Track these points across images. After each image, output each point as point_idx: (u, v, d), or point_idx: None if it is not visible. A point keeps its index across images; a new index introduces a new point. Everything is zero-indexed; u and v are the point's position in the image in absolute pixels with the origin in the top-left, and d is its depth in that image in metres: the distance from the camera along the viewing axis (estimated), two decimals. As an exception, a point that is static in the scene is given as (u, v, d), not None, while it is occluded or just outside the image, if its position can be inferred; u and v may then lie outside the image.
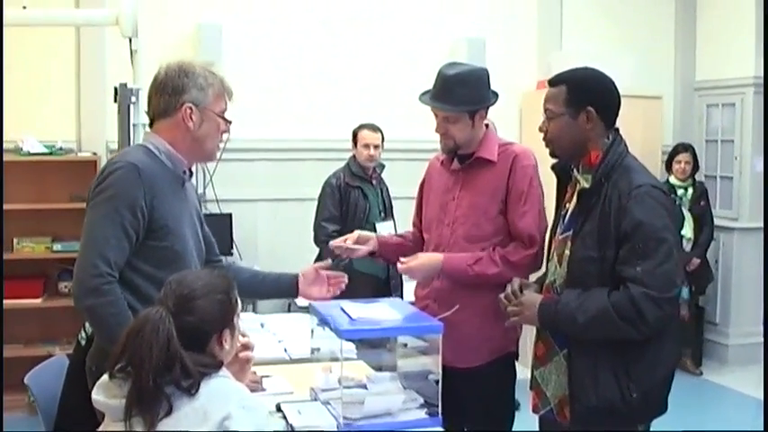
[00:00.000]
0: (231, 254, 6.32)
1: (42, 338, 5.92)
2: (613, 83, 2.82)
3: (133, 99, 4.43)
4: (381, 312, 2.91)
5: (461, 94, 3.33)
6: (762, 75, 6.61)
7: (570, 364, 2.71)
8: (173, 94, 2.69)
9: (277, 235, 6.67)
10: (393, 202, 5.98)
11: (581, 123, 2.74)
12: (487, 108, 3.44)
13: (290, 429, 2.68)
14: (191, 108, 2.69)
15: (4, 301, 5.59)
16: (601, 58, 7.11)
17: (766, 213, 6.37)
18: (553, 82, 2.83)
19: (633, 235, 2.59)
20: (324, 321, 2.89)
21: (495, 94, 3.45)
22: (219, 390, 2.00)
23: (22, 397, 5.14)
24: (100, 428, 2.06)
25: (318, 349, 3.35)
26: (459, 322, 3.32)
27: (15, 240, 5.84)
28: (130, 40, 4.71)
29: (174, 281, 2.11)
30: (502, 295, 2.92)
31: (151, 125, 2.80)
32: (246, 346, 2.33)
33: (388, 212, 5.88)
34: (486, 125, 3.48)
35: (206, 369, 2.01)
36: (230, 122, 2.80)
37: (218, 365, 2.07)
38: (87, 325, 2.77)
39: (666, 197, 2.72)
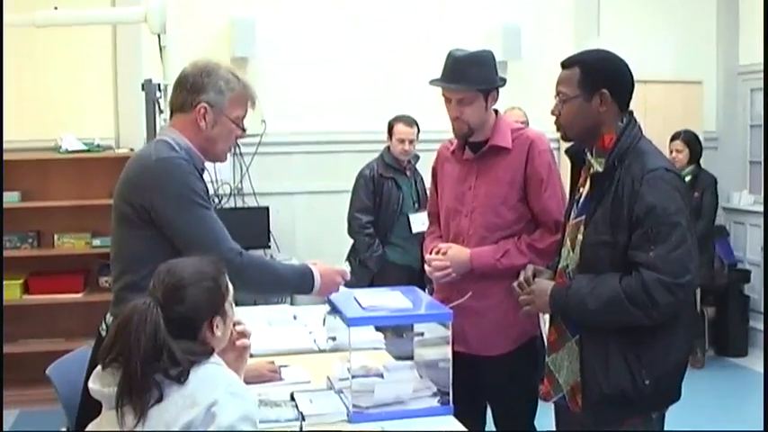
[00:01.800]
0: (269, 246, 6.40)
1: (84, 333, 5.95)
2: (627, 65, 2.77)
3: (159, 95, 4.46)
4: (393, 300, 2.91)
5: (475, 73, 3.30)
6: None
7: (582, 350, 2.68)
8: (191, 91, 2.71)
9: (314, 227, 6.71)
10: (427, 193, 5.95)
11: (594, 106, 2.70)
12: (497, 91, 3.40)
13: (299, 416, 2.69)
14: (205, 108, 2.70)
15: (47, 296, 5.75)
16: (640, 44, 7.12)
17: (766, 208, 6.21)
18: (566, 64, 2.78)
19: (646, 219, 2.54)
20: (335, 310, 2.89)
21: (503, 78, 3.43)
22: (208, 377, 2.02)
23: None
24: (99, 418, 2.10)
25: (334, 338, 3.36)
26: (484, 309, 3.33)
27: (56, 236, 5.98)
28: (159, 37, 4.76)
29: (163, 270, 2.12)
30: (515, 283, 2.89)
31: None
32: (243, 334, 2.34)
33: (421, 203, 5.83)
34: (496, 111, 3.44)
35: (195, 357, 2.02)
36: (245, 130, 2.82)
37: (209, 352, 2.08)
38: (108, 316, 2.80)
39: (680, 180, 2.66)
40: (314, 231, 6.70)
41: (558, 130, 2.79)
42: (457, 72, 3.32)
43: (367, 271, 5.60)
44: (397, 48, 6.83)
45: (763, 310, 6.32)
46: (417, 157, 5.87)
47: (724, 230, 7.35)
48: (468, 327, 3.30)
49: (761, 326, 7.09)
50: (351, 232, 5.79)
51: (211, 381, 2.01)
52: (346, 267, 3.09)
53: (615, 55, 2.78)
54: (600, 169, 2.67)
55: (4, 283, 5.54)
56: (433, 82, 3.39)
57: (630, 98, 2.75)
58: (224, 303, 2.17)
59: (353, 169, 5.92)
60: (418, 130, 5.78)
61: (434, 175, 3.69)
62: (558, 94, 2.77)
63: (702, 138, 6.93)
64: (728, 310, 7.04)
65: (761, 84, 7.27)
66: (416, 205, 5.81)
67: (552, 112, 2.80)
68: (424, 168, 5.95)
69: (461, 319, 3.26)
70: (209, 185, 4.70)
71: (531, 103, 5.76)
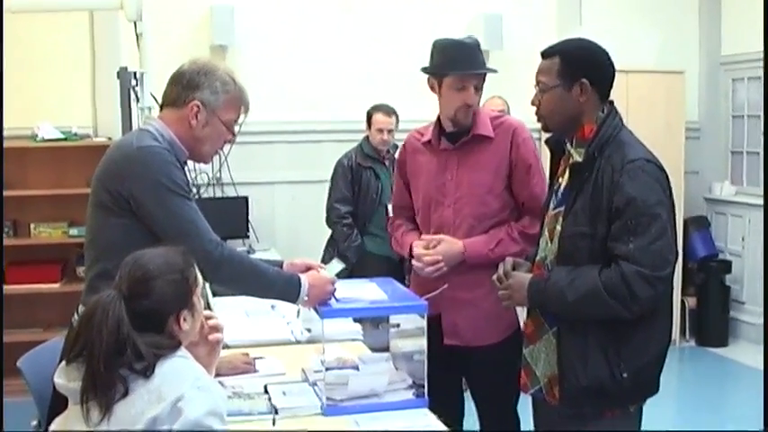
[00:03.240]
0: (248, 237, 6.35)
1: (61, 323, 5.88)
2: (608, 54, 2.73)
3: (134, 83, 4.40)
4: (368, 292, 2.88)
5: (483, 58, 3.36)
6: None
7: (560, 342, 2.65)
8: (186, 87, 2.68)
9: (294, 217, 6.66)
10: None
11: (575, 96, 2.66)
12: None
13: (272, 410, 2.65)
14: (198, 107, 2.66)
15: (23, 286, 5.68)
16: (622, 34, 7.08)
17: (766, 197, 6.25)
18: (546, 53, 2.74)
19: (625, 211, 2.50)
20: (309, 301, 2.85)
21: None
22: (174, 371, 1.98)
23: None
24: (65, 413, 2.05)
25: (310, 330, 3.32)
26: (478, 300, 3.30)
27: (33, 226, 5.93)
28: (135, 24, 4.69)
29: (129, 262, 2.08)
30: (494, 276, 2.85)
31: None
32: (215, 328, 2.30)
33: (401, 193, 5.81)
34: None
35: (161, 350, 1.98)
36: (235, 135, 2.78)
37: (176, 346, 2.04)
38: (80, 308, 2.75)
39: (661, 172, 2.62)
40: (294, 222, 6.66)
41: (538, 120, 2.75)
42: (474, 58, 3.31)
43: (345, 261, 5.52)
44: (378, 36, 6.77)
45: (763, 305, 6.31)
46: (396, 147, 5.81)
47: (705, 221, 7.34)
48: (460, 320, 3.30)
49: (742, 317, 7.13)
50: (329, 222, 5.76)
51: (178, 375, 1.97)
52: (335, 264, 3.00)
53: (595, 44, 2.74)
54: (579, 159, 2.63)
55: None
56: (454, 72, 3.28)
57: (611, 88, 2.72)
58: (192, 296, 2.13)
59: (334, 159, 5.88)
60: (397, 120, 5.74)
61: (402, 168, 3.62)
62: (537, 83, 2.73)
63: (685, 128, 6.93)
64: (709, 301, 7.05)
65: (743, 74, 7.30)
66: (395, 195, 5.76)
67: (532, 103, 2.75)
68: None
69: (453, 313, 3.24)
70: (187, 174, 4.69)
71: (512, 92, 5.73)
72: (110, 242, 2.61)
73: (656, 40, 7.11)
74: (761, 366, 5.53)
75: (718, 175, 7.55)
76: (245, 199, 6.40)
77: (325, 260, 5.58)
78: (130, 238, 2.51)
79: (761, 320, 6.87)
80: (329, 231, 5.83)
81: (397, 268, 5.66)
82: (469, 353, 3.36)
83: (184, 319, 2.09)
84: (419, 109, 6.26)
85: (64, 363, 2.03)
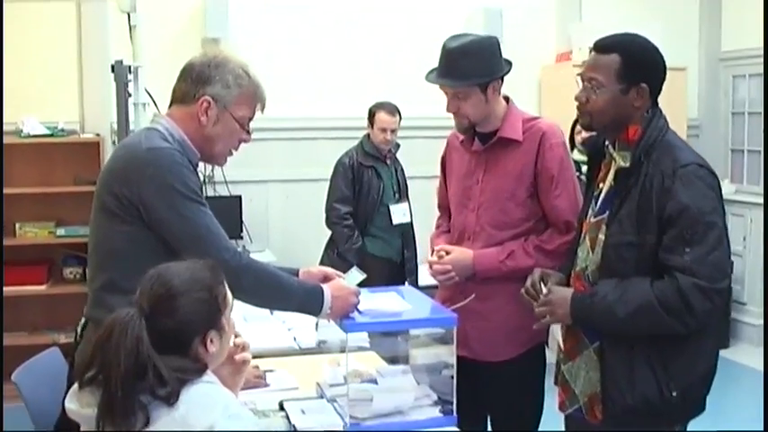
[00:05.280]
0: (241, 237, 6.20)
1: (47, 326, 5.80)
2: (663, 56, 2.57)
3: (130, 77, 4.20)
4: (391, 303, 2.73)
5: (467, 66, 3.04)
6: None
7: (603, 359, 2.49)
8: (196, 81, 2.49)
9: (289, 217, 6.51)
10: (410, 183, 5.78)
11: (630, 99, 2.49)
12: (501, 79, 3.15)
13: (291, 429, 2.49)
14: (209, 102, 2.48)
15: (8, 288, 5.48)
16: (622, 29, 6.81)
17: (766, 196, 6.11)
18: (603, 47, 2.54)
19: (679, 219, 2.35)
20: (330, 313, 2.67)
21: (509, 63, 3.18)
22: (202, 397, 1.81)
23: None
24: None
25: (325, 342, 3.16)
26: (488, 312, 3.11)
27: (18, 225, 5.75)
28: (129, 15, 4.50)
29: (152, 276, 1.91)
30: (523, 290, 2.68)
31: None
32: (242, 347, 2.12)
33: (402, 194, 5.67)
34: (507, 99, 3.22)
35: (186, 375, 1.82)
36: (250, 133, 2.59)
37: (201, 370, 1.87)
38: (83, 321, 2.57)
39: (714, 177, 2.48)
40: (289, 222, 6.51)
41: (582, 117, 2.57)
42: (448, 66, 3.08)
43: (346, 264, 5.37)
44: (377, 30, 6.62)
45: (763, 305, 6.22)
46: (398, 146, 5.66)
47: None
48: (470, 330, 3.07)
49: (744, 318, 7.03)
50: (329, 223, 5.58)
51: (206, 402, 1.80)
52: (355, 273, 2.81)
53: (654, 45, 2.58)
54: (626, 164, 2.47)
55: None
56: (427, 78, 3.14)
57: (661, 91, 2.56)
58: (221, 316, 1.95)
59: (332, 157, 5.71)
60: (400, 119, 5.56)
61: (443, 166, 3.46)
62: (590, 80, 2.52)
63: (685, 125, 6.83)
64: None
65: (743, 70, 7.21)
66: (397, 195, 5.64)
67: (577, 98, 2.56)
68: (407, 157, 5.78)
69: (464, 321, 3.04)
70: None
71: (512, 87, 5.56)
72: (114, 250, 2.43)
73: (656, 36, 6.92)
74: (762, 368, 5.43)
75: (717, 173, 7.33)
76: (239, 198, 6.24)
77: (325, 262, 5.42)
78: (136, 247, 2.37)
79: (762, 321, 6.80)
80: (326, 232, 5.67)
81: (399, 271, 5.53)
82: (481, 368, 3.17)
83: (211, 341, 1.92)
84: (420, 105, 6.15)
85: (76, 386, 1.86)
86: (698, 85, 7.42)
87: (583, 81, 2.55)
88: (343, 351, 2.82)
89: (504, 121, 3.15)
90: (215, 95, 2.48)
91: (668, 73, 7.30)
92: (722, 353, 6.51)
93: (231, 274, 2.37)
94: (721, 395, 5.75)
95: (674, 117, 6.50)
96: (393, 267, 5.41)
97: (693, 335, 2.40)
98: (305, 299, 2.56)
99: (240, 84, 2.51)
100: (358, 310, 2.63)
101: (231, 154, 2.63)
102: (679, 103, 6.84)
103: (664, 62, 2.56)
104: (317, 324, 3.01)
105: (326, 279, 2.71)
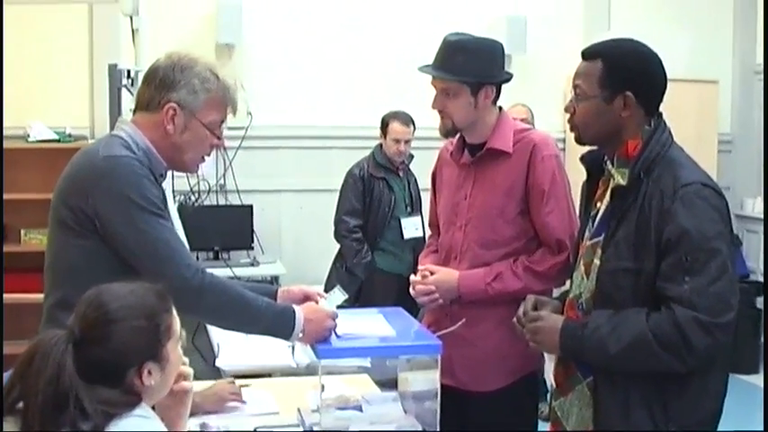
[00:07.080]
0: (252, 248, 6.09)
1: (50, 335, 5.65)
2: (659, 61, 2.35)
3: (125, 82, 4.06)
4: (373, 327, 2.55)
5: (462, 61, 2.86)
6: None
7: (596, 395, 2.27)
8: (160, 87, 2.33)
9: (302, 228, 6.41)
10: (424, 195, 5.56)
11: (616, 109, 2.28)
12: (498, 88, 2.96)
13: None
14: (174, 109, 2.32)
15: (11, 296, 5.37)
16: (652, 39, 6.61)
17: (766, 212, 5.86)
18: (587, 54, 2.35)
19: (679, 245, 2.13)
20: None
21: (509, 74, 2.99)
22: None
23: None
24: None
25: (306, 365, 3.00)
26: (474, 338, 2.91)
27: (23, 232, 5.67)
28: (132, 19, 4.36)
29: (89, 297, 1.74)
30: (514, 318, 2.47)
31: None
32: (183, 375, 1.93)
33: (414, 207, 5.50)
34: (500, 108, 3.02)
35: (113, 408, 1.64)
36: (221, 138, 2.42)
37: (133, 403, 1.70)
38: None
39: (720, 198, 2.23)
40: (301, 233, 6.39)
41: (571, 130, 2.38)
42: (442, 58, 2.92)
43: (354, 279, 5.21)
44: (394, 38, 6.49)
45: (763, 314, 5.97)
46: (411, 157, 5.49)
47: (736, 239, 6.96)
48: (456, 357, 2.85)
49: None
50: (337, 236, 5.43)
51: None
52: (337, 294, 2.61)
53: (647, 49, 2.37)
54: (623, 182, 2.25)
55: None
56: (420, 69, 2.99)
57: (661, 101, 2.34)
58: (161, 348, 1.76)
59: (345, 167, 5.59)
60: (414, 129, 5.38)
61: (434, 181, 3.27)
62: (574, 88, 2.35)
63: (717, 141, 6.61)
64: (739, 325, 6.55)
65: (779, 84, 6.95)
66: (409, 209, 5.47)
67: (566, 109, 2.38)
68: (420, 168, 5.58)
69: (448, 347, 2.81)
70: (187, 180, 4.36)
71: (536, 99, 5.45)
72: (70, 266, 2.28)
73: (687, 47, 6.80)
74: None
75: (750, 190, 7.24)
76: (250, 207, 6.12)
77: (332, 277, 5.26)
78: (93, 263, 2.22)
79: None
80: (339, 245, 5.50)
81: (408, 285, 5.32)
82: (468, 398, 2.95)
83: (149, 373, 1.73)
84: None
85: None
86: (731, 98, 7.23)
87: (571, 91, 2.36)
88: (331, 373, 2.71)
89: (494, 131, 2.95)
90: (181, 102, 2.32)
91: (698, 86, 7.05)
92: (752, 379, 6.35)
93: (192, 293, 2.21)
94: (752, 426, 5.53)
95: (704, 131, 6.42)
96: (403, 284, 5.17)
97: (697, 371, 2.18)
98: (273, 321, 2.38)
99: (208, 88, 2.35)
100: (336, 333, 2.45)
101: (203, 160, 2.46)
102: (710, 118, 6.67)
103: (657, 69, 2.34)
104: (292, 348, 2.84)
105: (307, 299, 2.54)
